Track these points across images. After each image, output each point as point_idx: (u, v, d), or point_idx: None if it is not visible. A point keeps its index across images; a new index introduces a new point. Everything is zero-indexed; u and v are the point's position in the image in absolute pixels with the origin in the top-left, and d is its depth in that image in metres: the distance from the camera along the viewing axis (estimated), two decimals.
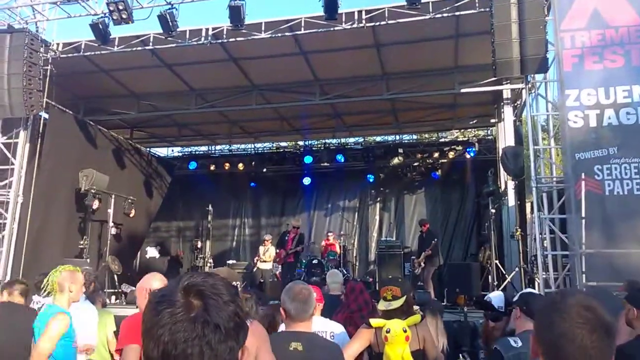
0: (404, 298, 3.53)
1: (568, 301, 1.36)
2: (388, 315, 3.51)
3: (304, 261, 11.97)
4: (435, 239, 11.12)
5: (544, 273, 7.83)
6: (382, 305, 3.58)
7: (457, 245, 14.71)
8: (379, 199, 16.05)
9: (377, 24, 8.78)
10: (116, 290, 10.65)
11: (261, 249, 12.35)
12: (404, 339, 3.38)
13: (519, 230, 9.07)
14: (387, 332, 3.37)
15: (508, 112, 10.67)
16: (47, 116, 10.60)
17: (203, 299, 1.01)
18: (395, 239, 12.96)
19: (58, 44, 10.03)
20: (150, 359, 0.99)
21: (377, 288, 6.69)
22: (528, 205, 10.66)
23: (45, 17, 9.69)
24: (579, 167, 7.26)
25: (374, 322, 3.49)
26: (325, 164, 15.34)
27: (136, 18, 8.84)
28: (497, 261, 9.82)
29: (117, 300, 10.29)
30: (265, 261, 12.13)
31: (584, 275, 6.97)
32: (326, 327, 3.80)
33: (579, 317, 1.30)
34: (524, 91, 8.77)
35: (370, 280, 11.78)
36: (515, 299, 3.26)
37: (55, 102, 10.63)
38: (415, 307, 4.03)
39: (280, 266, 11.92)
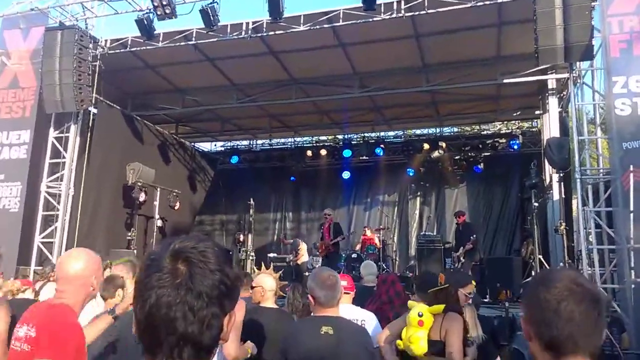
0: (443, 288, 3.53)
1: (554, 276, 1.34)
2: (432, 300, 3.58)
3: (343, 255, 12.01)
4: (475, 233, 10.92)
5: (589, 269, 7.56)
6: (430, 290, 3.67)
7: (500, 241, 14.38)
8: (419, 193, 15.85)
9: (417, 13, 8.64)
10: None
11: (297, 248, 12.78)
12: (417, 322, 3.43)
13: (564, 224, 8.77)
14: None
15: (553, 103, 10.32)
16: (95, 111, 11.02)
17: (189, 266, 1.03)
18: (435, 233, 12.79)
19: (106, 41, 10.40)
20: (138, 320, 1.03)
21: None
22: (574, 200, 10.31)
23: (94, 14, 10.06)
24: (627, 157, 6.97)
25: (409, 303, 3.63)
26: (365, 157, 15.26)
27: (179, 13, 9.08)
28: (540, 256, 9.56)
29: None
30: (300, 256, 12.47)
31: (632, 272, 6.70)
32: (358, 315, 3.82)
33: (566, 289, 1.28)
34: (569, 80, 8.46)
35: (410, 275, 11.68)
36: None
37: (103, 98, 11.06)
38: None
39: (320, 259, 12.01)
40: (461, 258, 10.69)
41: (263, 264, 4.16)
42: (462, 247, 10.79)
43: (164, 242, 1.10)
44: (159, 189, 12.04)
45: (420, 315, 3.49)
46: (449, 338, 3.39)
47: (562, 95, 10.79)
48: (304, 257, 12.68)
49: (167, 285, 1.01)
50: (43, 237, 9.97)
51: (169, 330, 1.00)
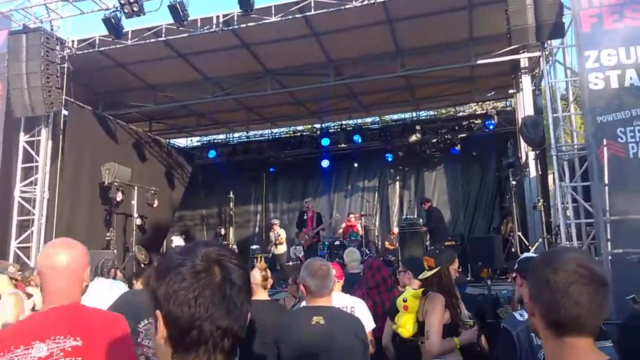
0: (437, 269, 3.59)
1: (562, 258, 1.35)
2: (424, 284, 3.66)
3: (326, 243, 12.06)
4: (435, 220, 11.29)
5: (567, 242, 7.75)
6: (421, 275, 3.73)
7: (480, 220, 14.64)
8: (398, 177, 16.01)
9: None
10: None
11: (271, 234, 12.57)
12: (403, 308, 3.63)
13: (541, 200, 8.96)
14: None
15: (526, 81, 10.47)
16: (67, 113, 10.80)
17: (223, 264, 1.11)
18: (416, 216, 12.92)
19: (73, 41, 10.17)
20: (177, 320, 1.07)
21: (399, 266, 6.74)
22: (550, 176, 10.52)
23: (59, 15, 9.80)
24: (601, 131, 7.10)
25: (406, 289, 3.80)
26: (343, 145, 15.33)
27: (147, 10, 8.88)
28: (519, 233, 9.75)
29: None
30: (280, 244, 12.39)
31: (609, 243, 6.87)
32: (347, 303, 3.86)
33: (575, 273, 1.30)
34: (541, 59, 8.58)
35: (393, 259, 11.80)
36: (515, 266, 3.26)
37: (74, 99, 10.81)
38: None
39: (302, 248, 12.04)
40: (426, 241, 10.99)
41: (259, 259, 4.16)
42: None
43: (183, 249, 1.16)
44: (136, 188, 11.87)
45: (404, 301, 3.67)
46: (427, 318, 3.48)
47: (534, 73, 10.94)
48: (283, 246, 12.66)
49: (209, 284, 1.07)
50: (19, 243, 9.81)
51: (216, 326, 1.06)
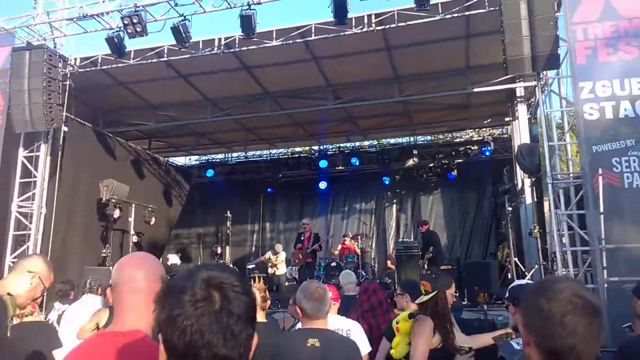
0: (434, 294, 3.62)
1: (556, 287, 1.35)
2: (420, 308, 3.69)
3: (322, 264, 12.05)
4: (434, 243, 11.39)
5: (564, 269, 7.76)
6: (418, 300, 3.76)
7: (476, 245, 14.67)
8: (395, 200, 16.08)
9: (387, 26, 8.80)
10: None
11: (272, 256, 12.58)
12: (395, 330, 3.72)
13: (537, 227, 9.01)
14: None
15: (522, 110, 10.63)
16: (66, 129, 10.85)
17: (223, 292, 1.08)
18: (412, 240, 12.93)
19: (76, 59, 10.27)
20: (175, 346, 1.06)
21: (395, 289, 6.75)
22: (546, 203, 10.59)
23: (62, 33, 9.92)
24: (596, 160, 7.17)
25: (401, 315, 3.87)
26: (341, 167, 15.43)
27: (150, 31, 9.02)
28: (516, 259, 9.77)
29: None
30: (276, 265, 12.37)
31: (604, 271, 6.89)
32: (343, 325, 3.87)
33: (569, 303, 1.30)
34: (536, 88, 8.72)
35: (389, 281, 11.77)
36: (506, 295, 3.28)
37: (74, 116, 10.91)
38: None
39: (297, 269, 12.01)
40: (424, 265, 10.93)
41: (257, 279, 4.15)
42: (425, 255, 11.12)
43: (185, 273, 1.14)
44: (133, 205, 11.89)
45: (397, 323, 3.75)
46: (413, 340, 3.51)
47: (530, 102, 11.11)
48: (281, 267, 12.62)
49: (207, 312, 1.06)
50: (14, 257, 9.74)
51: (213, 354, 1.05)
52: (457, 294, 5.26)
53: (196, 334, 1.04)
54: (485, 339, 3.70)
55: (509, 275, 9.67)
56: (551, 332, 1.30)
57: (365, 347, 3.80)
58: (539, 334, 1.33)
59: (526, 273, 9.27)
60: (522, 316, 1.41)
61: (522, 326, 1.42)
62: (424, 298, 3.65)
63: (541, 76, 8.32)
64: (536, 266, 9.10)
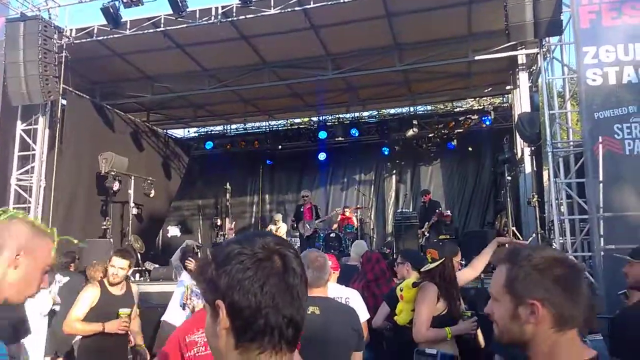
0: (441, 261, 3.66)
1: (543, 255, 1.39)
2: (426, 276, 3.72)
3: (322, 235, 12.12)
4: (439, 208, 11.30)
5: (561, 238, 7.82)
6: (424, 267, 3.80)
7: (474, 214, 14.72)
8: (394, 171, 16.06)
9: None
10: (140, 268, 10.94)
11: (272, 227, 12.57)
12: (400, 297, 3.77)
13: (536, 196, 9.02)
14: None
15: (523, 78, 10.51)
16: (64, 102, 10.77)
17: (282, 253, 1.09)
18: (411, 210, 12.98)
19: (71, 30, 10.12)
20: (242, 309, 1.04)
21: (394, 259, 6.82)
22: (545, 172, 10.59)
23: (57, 4, 9.77)
24: (597, 127, 7.13)
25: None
26: (340, 138, 15.36)
27: (146, 0, 8.87)
28: (514, 228, 9.82)
29: (141, 278, 10.58)
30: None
31: (602, 239, 6.94)
32: (342, 293, 3.92)
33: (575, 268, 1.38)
34: (539, 56, 8.62)
35: (388, 251, 11.88)
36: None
37: (72, 88, 10.80)
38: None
39: (298, 240, 12.10)
40: (426, 233, 10.99)
41: None
42: (426, 223, 11.16)
43: (242, 238, 1.12)
44: (133, 178, 11.88)
45: (401, 290, 3.70)
46: (417, 306, 3.58)
47: (532, 70, 10.99)
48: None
49: (274, 273, 1.06)
50: None
51: (281, 315, 1.05)
52: (464, 262, 5.29)
53: (266, 295, 1.04)
54: (485, 257, 3.77)
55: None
56: (569, 299, 1.34)
57: (364, 314, 3.85)
58: (557, 304, 1.35)
59: (524, 242, 9.32)
60: (540, 293, 1.45)
61: (540, 306, 1.47)
62: (430, 265, 3.68)
63: (543, 43, 8.21)
64: (534, 235, 9.15)
